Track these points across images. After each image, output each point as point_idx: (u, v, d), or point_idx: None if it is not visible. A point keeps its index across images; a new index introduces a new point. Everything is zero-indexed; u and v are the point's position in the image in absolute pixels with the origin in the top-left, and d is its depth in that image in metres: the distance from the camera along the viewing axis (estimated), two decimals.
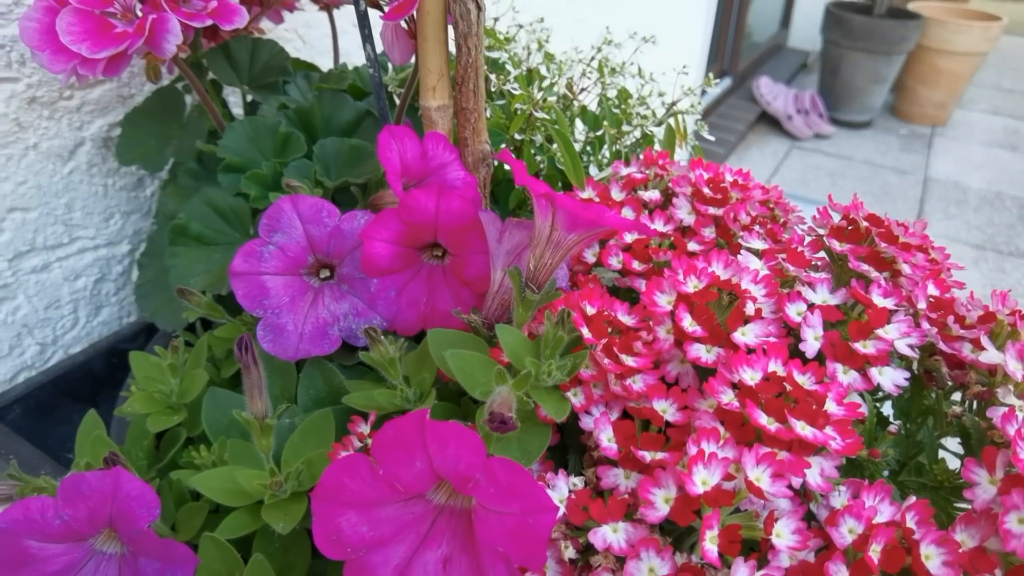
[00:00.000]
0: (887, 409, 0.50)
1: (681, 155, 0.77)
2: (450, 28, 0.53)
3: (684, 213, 0.54)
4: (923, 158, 3.43)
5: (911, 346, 0.42)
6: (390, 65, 0.72)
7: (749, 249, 0.47)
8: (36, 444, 0.62)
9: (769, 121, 3.53)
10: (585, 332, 0.42)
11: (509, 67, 0.65)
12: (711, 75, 0.69)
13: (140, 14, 0.55)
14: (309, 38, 0.94)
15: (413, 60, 0.59)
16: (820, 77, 3.72)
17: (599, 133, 0.64)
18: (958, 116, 3.94)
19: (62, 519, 0.41)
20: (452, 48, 0.54)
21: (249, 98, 0.73)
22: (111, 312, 0.82)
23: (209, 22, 0.57)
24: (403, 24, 0.56)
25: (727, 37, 3.35)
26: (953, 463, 0.43)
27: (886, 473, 0.46)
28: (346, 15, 0.98)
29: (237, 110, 0.80)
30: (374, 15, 0.55)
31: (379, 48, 0.58)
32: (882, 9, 3.45)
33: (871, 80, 3.51)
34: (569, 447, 0.45)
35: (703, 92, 3.16)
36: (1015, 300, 0.46)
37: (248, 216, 0.60)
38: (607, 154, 0.71)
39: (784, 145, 3.40)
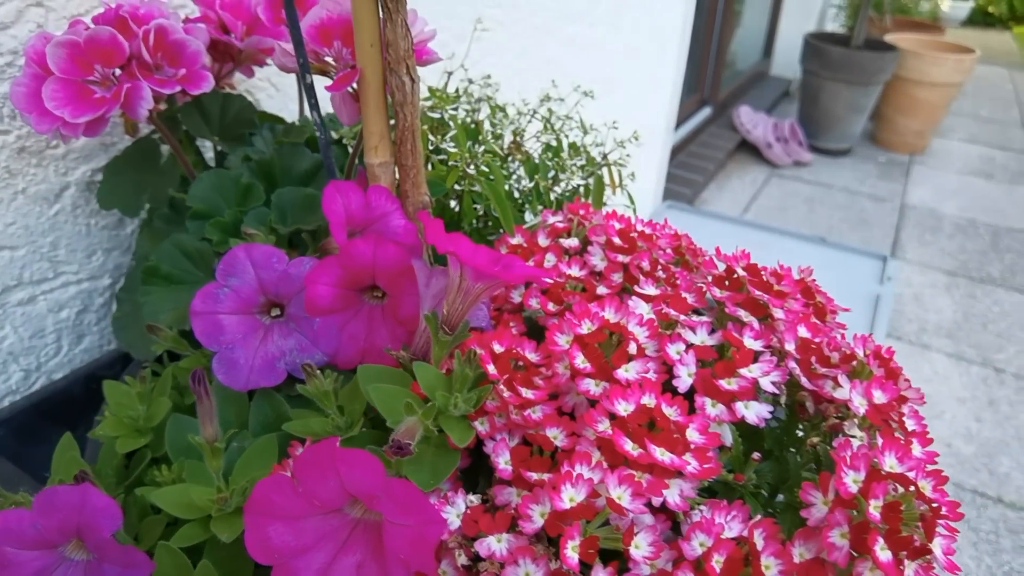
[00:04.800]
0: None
1: (622, 201, 0.84)
2: None
3: (597, 260, 0.61)
4: (900, 185, 3.52)
5: (774, 383, 0.49)
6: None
7: (642, 294, 0.54)
8: (19, 464, 0.68)
9: (749, 149, 3.63)
10: (491, 368, 0.49)
11: (451, 124, 0.72)
12: (636, 131, 0.77)
13: (117, 81, 0.62)
14: (282, 85, 1.01)
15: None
16: (800, 106, 3.83)
17: (531, 185, 0.71)
18: (936, 144, 4.04)
19: (36, 528, 0.47)
20: None
21: (219, 148, 0.80)
22: (92, 340, 0.88)
23: (179, 88, 0.64)
24: (349, 89, 0.63)
25: (708, 67, 3.44)
26: None
27: (765, 496, 0.53)
28: None
29: (210, 157, 0.87)
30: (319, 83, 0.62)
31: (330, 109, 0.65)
32: (859, 41, 3.56)
33: (849, 109, 3.61)
34: (480, 470, 0.51)
35: (687, 117, 3.20)
36: (874, 342, 0.53)
37: (212, 259, 0.67)
38: (546, 202, 0.78)
39: (764, 173, 3.49)
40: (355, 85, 0.61)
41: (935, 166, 3.77)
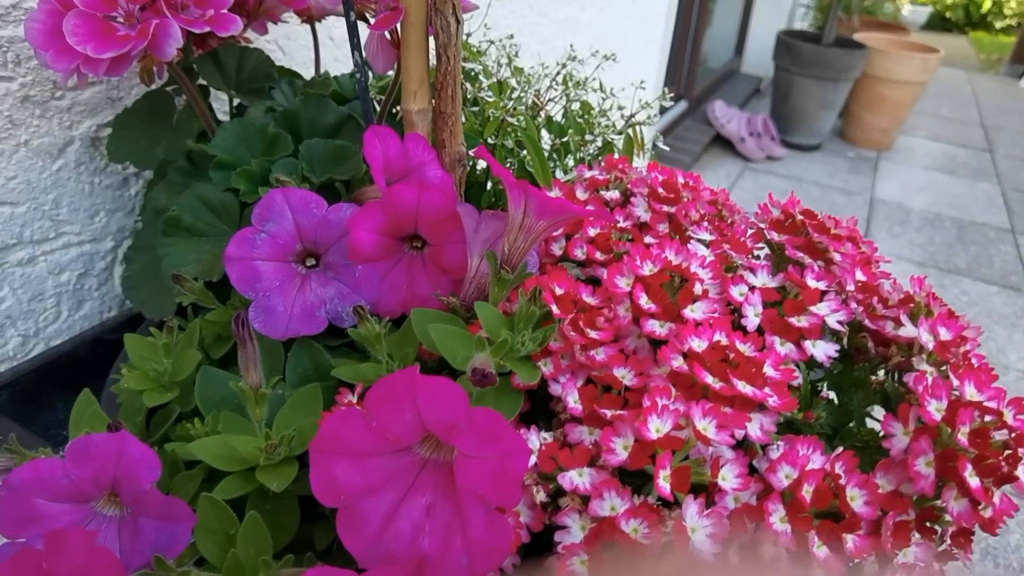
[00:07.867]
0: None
1: (639, 164, 0.83)
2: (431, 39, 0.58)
3: (641, 211, 0.60)
4: (869, 180, 3.59)
5: (840, 322, 0.48)
6: (371, 74, 0.77)
7: (698, 240, 0.53)
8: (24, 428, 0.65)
9: (723, 143, 3.67)
10: (554, 308, 0.47)
11: (482, 78, 0.70)
12: (666, 90, 0.76)
13: (142, 19, 0.59)
14: (289, 49, 0.98)
15: (393, 71, 0.65)
16: (772, 102, 3.88)
17: (564, 140, 0.70)
18: (902, 141, 4.13)
19: (69, 479, 0.44)
20: (431, 58, 0.59)
21: (236, 102, 0.77)
22: (93, 306, 0.84)
23: (207, 29, 0.61)
24: (387, 35, 0.61)
25: (683, 63, 3.47)
26: (878, 427, 0.49)
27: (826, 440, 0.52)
28: (323, 29, 1.03)
29: (222, 116, 0.84)
30: (361, 26, 0.60)
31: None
32: (830, 38, 3.62)
33: (820, 105, 3.66)
34: (538, 414, 0.50)
35: (661, 109, 3.23)
36: (929, 284, 0.53)
37: (236, 210, 0.64)
38: (571, 161, 0.77)
39: (737, 166, 3.53)
40: (394, 29, 0.59)
41: (901, 162, 3.85)
